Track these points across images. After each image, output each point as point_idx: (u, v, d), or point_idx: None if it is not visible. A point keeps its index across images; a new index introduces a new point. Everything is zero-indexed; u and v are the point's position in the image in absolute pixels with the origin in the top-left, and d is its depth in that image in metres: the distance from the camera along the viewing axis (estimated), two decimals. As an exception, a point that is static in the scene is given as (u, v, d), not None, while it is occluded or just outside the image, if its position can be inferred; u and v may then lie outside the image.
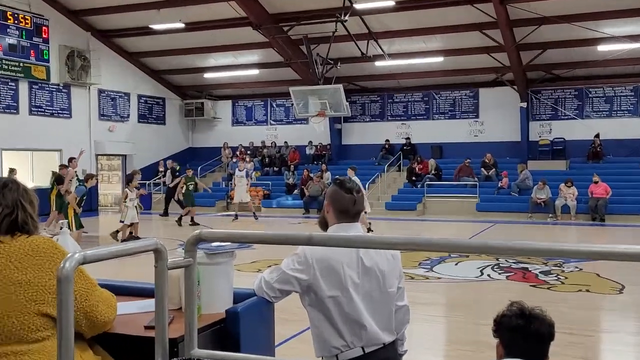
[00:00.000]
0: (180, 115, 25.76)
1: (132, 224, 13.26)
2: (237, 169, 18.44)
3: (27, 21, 18.97)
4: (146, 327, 2.16)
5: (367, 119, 23.80)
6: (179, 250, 2.39)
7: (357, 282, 2.51)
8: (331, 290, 2.49)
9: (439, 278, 9.06)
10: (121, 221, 13.25)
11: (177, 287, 2.38)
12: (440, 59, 20.01)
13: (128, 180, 13.68)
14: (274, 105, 25.24)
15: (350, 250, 2.52)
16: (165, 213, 19.07)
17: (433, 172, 20.60)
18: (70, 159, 15.92)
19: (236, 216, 17.80)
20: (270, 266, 2.69)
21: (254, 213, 18.02)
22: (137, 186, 13.70)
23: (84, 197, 12.42)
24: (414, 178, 20.74)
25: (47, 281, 1.87)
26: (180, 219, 16.47)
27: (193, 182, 17.30)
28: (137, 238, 12.47)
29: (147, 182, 21.76)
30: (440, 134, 22.33)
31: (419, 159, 21.13)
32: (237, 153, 24.31)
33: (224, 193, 21.89)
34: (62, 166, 15.70)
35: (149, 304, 2.42)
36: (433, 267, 9.77)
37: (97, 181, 14.42)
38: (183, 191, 16.98)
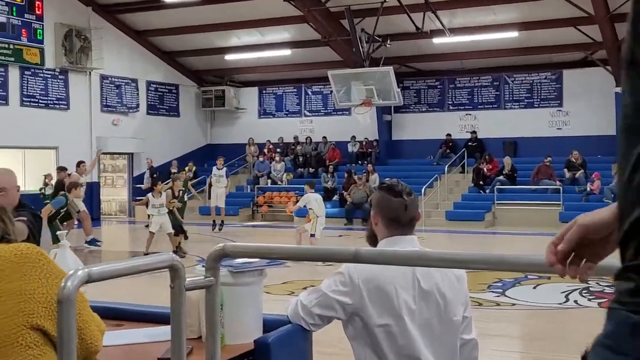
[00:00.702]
0: (197, 105, 26.07)
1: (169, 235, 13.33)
2: (215, 167, 18.56)
3: (17, -5, 19.49)
4: (160, 360, 2.21)
5: (423, 109, 23.67)
6: (199, 268, 2.44)
7: (412, 308, 2.51)
8: (381, 318, 2.49)
9: (513, 304, 8.96)
10: (150, 231, 13.34)
11: (196, 311, 2.42)
12: (514, 33, 19.78)
13: (152, 185, 13.89)
14: (309, 93, 25.32)
15: (405, 269, 2.52)
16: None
17: (505, 173, 20.38)
18: (79, 163, 16.31)
19: (218, 224, 17.95)
20: (306, 288, 2.71)
21: (221, 222, 18.06)
22: (162, 190, 13.75)
23: (62, 210, 12.68)
24: (481, 182, 20.56)
25: (35, 289, 1.96)
26: (178, 247, 13.49)
27: (184, 189, 15.04)
28: (177, 251, 12.62)
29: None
30: (513, 127, 22.08)
31: (487, 157, 20.93)
32: (265, 151, 24.47)
33: (249, 199, 22.07)
34: (60, 169, 16.06)
35: (163, 331, 2.46)
36: (506, 291, 9.67)
37: (83, 191, 14.56)
38: (177, 203, 13.99)
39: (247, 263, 2.44)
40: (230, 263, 2.41)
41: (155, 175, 19.67)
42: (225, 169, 18.86)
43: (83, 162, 16.67)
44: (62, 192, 13.49)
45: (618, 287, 1.14)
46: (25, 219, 3.51)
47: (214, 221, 18.08)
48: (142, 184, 20.57)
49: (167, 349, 2.20)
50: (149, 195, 13.61)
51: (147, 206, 13.61)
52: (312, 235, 12.44)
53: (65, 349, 1.49)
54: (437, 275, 2.57)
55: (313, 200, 12.71)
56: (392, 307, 2.49)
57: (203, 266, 2.06)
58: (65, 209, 12.76)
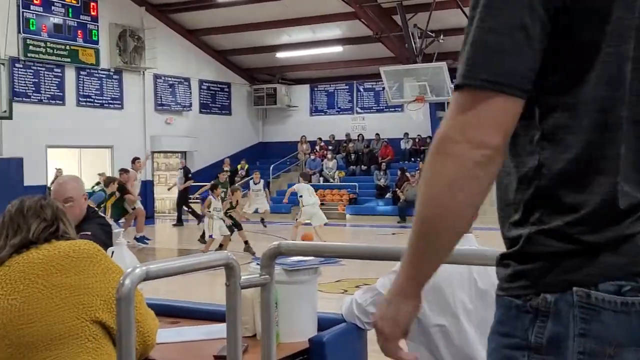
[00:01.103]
0: (249, 103, 26.27)
1: (224, 237, 13.35)
2: (252, 182, 18.27)
3: (73, -4, 19.93)
4: (216, 357, 2.22)
5: (478, 105, 23.40)
6: (253, 266, 2.45)
7: (469, 307, 2.48)
8: (437, 318, 2.47)
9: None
10: (210, 236, 13.21)
11: (251, 309, 2.43)
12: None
13: (213, 187, 13.93)
14: (361, 90, 25.27)
15: (461, 268, 2.49)
16: (180, 222, 19.75)
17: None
18: (135, 159, 16.65)
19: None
20: (358, 286, 2.71)
21: (262, 219, 17.89)
22: (221, 195, 13.79)
23: (102, 205, 12.86)
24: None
25: (94, 284, 2.02)
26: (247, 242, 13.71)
27: (225, 190, 15.10)
28: (248, 247, 12.87)
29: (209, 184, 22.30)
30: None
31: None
32: (317, 148, 24.52)
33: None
34: (122, 171, 16.34)
35: (217, 329, 2.48)
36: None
37: (138, 188, 14.82)
38: (240, 212, 14.57)
39: (302, 261, 2.44)
40: (285, 261, 2.42)
41: (190, 175, 19.93)
42: (262, 182, 18.88)
43: (138, 158, 16.99)
44: (111, 190, 13.71)
45: (499, 274, 1.27)
46: (89, 233, 3.22)
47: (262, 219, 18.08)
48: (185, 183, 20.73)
49: (222, 346, 2.22)
50: (211, 197, 13.60)
51: (208, 207, 13.60)
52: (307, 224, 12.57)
53: (125, 344, 1.52)
54: (494, 274, 2.53)
55: (305, 189, 12.84)
56: (448, 307, 2.47)
57: (257, 264, 2.07)
58: (103, 204, 12.94)
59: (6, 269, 2.01)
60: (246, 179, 20.82)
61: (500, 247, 1.39)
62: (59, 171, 17.72)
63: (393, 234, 17.33)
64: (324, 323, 2.50)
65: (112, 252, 2.73)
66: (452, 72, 20.87)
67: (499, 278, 1.28)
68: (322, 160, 23.69)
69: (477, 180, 1.19)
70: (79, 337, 1.95)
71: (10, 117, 16.57)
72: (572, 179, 1.19)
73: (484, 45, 1.17)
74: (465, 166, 1.17)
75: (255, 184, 18.45)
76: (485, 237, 2.74)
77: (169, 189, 21.56)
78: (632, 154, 1.20)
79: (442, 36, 19.98)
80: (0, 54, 17.62)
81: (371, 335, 2.59)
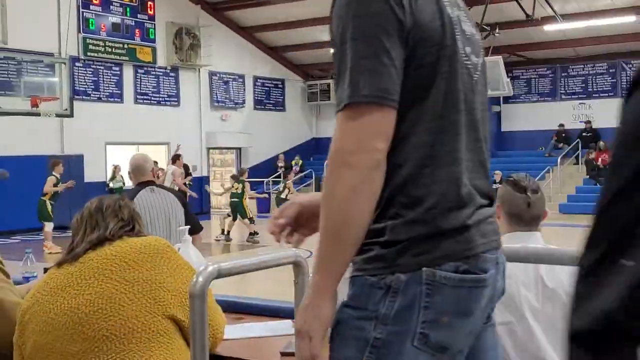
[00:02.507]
0: (303, 99, 26.36)
1: None
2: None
3: (131, -4, 20.29)
4: (283, 354, 2.24)
5: (534, 99, 23.09)
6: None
7: (536, 306, 2.46)
8: (503, 315, 2.45)
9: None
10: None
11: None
12: (631, 18, 18.95)
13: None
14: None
15: (527, 267, 2.47)
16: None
17: (622, 164, 19.60)
18: (177, 156, 16.85)
19: None
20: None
21: None
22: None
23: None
24: (594, 172, 19.83)
25: (165, 279, 2.06)
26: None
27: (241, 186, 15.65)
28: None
29: (265, 179, 22.50)
30: (632, 116, 21.18)
31: (600, 146, 20.18)
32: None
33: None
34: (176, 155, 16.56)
35: (283, 325, 2.51)
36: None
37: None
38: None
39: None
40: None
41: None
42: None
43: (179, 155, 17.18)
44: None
45: (355, 260, 1.45)
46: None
47: None
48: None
49: (288, 343, 2.23)
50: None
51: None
52: None
53: (198, 340, 1.55)
54: (562, 273, 2.50)
55: None
56: (514, 306, 2.44)
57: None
58: None
59: (81, 265, 2.06)
60: (300, 174, 20.90)
61: (566, 245, 1.42)
62: (117, 168, 18.12)
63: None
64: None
65: (179, 249, 2.77)
66: (508, 65, 20.64)
67: (357, 261, 1.46)
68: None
69: (373, 182, 1.41)
70: (152, 331, 1.99)
71: (71, 115, 16.96)
72: (418, 176, 1.44)
73: (361, 69, 1.41)
74: (364, 172, 1.40)
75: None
76: (543, 234, 2.71)
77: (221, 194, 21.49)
78: (471, 153, 1.51)
79: (497, 29, 19.74)
80: (61, 53, 18.07)
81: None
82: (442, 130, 1.47)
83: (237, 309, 2.81)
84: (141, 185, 4.99)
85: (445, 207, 1.45)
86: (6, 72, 16.55)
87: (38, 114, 16.00)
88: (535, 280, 2.48)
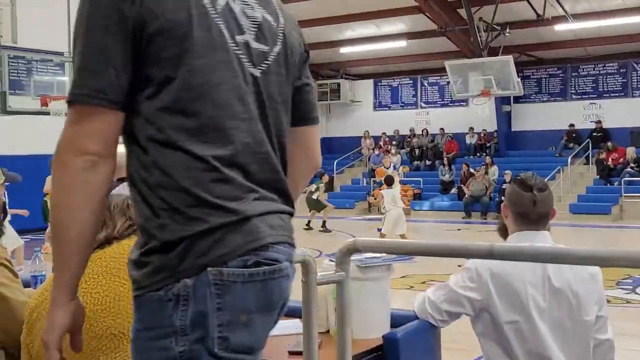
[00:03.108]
0: (313, 99, 26.36)
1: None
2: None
3: None
4: (290, 353, 2.25)
5: (545, 99, 22.99)
6: (327, 263, 2.47)
7: (542, 306, 2.47)
8: (509, 314, 2.46)
9: (645, 303, 8.61)
10: (378, 229, 12.68)
11: (324, 305, 2.46)
12: (643, 17, 18.89)
13: (388, 181, 13.04)
14: (426, 84, 25.08)
15: (534, 266, 2.48)
16: None
17: (632, 165, 19.49)
18: None
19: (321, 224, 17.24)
20: (424, 282, 2.72)
21: (323, 222, 17.13)
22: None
23: None
24: (605, 172, 19.74)
25: None
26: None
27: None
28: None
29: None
30: (642, 116, 21.11)
31: (610, 145, 20.10)
32: (381, 144, 24.46)
33: (364, 192, 22.13)
34: None
35: (291, 324, 2.52)
36: (636, 288, 9.28)
37: None
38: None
39: (375, 257, 2.45)
40: (358, 258, 2.43)
41: None
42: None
43: None
44: None
45: (134, 277, 1.41)
46: None
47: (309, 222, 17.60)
48: None
49: (296, 342, 2.25)
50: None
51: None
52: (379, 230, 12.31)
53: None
54: (569, 273, 2.51)
55: (387, 195, 12.51)
56: (520, 304, 2.45)
57: (331, 260, 2.09)
58: None
59: (90, 263, 2.07)
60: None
61: (575, 245, 1.38)
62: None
63: (458, 229, 17.18)
64: (396, 320, 2.51)
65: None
66: (518, 65, 20.60)
67: (134, 279, 1.41)
68: (386, 155, 23.62)
69: (87, 184, 1.36)
70: None
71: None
72: (179, 173, 1.37)
73: (80, 67, 1.41)
74: (74, 172, 1.36)
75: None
76: (553, 234, 2.71)
77: None
78: (249, 147, 1.43)
79: (508, 29, 19.70)
80: (71, 52, 18.12)
81: (444, 332, 2.59)
82: (195, 126, 1.39)
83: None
84: (119, 180, 5.24)
85: (215, 203, 1.37)
86: (16, 71, 16.59)
87: (48, 113, 16.05)
88: (543, 280, 2.48)
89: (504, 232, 2.65)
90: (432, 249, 1.81)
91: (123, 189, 2.70)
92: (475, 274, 2.48)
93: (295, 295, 2.10)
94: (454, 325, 2.62)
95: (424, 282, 9.14)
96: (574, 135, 21.95)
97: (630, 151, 19.77)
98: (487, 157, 21.23)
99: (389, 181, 12.86)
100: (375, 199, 17.76)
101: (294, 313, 2.61)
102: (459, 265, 2.56)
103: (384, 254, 2.47)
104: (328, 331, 2.54)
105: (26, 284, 2.98)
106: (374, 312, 2.44)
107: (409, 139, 24.37)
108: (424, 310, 2.54)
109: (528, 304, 2.45)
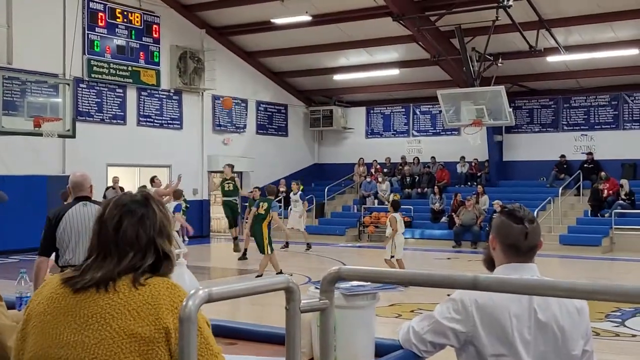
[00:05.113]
0: (305, 125, 26.45)
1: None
2: (291, 193, 19.66)
3: (136, 19, 20.41)
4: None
5: (536, 129, 23.12)
6: (311, 290, 2.46)
7: (528, 339, 2.45)
8: (495, 347, 2.44)
9: (634, 335, 8.58)
10: (392, 256, 12.22)
11: (308, 333, 2.44)
12: (634, 51, 19.06)
13: (395, 206, 12.83)
14: (418, 113, 25.20)
15: (521, 298, 2.47)
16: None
17: (622, 197, 19.55)
18: (153, 178, 17.43)
19: (286, 244, 18.13)
20: (413, 311, 2.70)
21: (307, 244, 18.42)
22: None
23: None
24: (597, 203, 19.78)
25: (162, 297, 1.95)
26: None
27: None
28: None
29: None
30: (633, 148, 21.19)
31: (603, 175, 20.18)
32: (372, 171, 24.50)
33: (355, 219, 22.11)
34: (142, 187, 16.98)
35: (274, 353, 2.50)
36: (625, 321, 9.27)
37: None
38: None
39: (360, 286, 2.44)
40: (343, 285, 2.42)
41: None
42: (300, 193, 19.44)
43: (155, 176, 17.96)
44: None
45: None
46: None
47: (286, 242, 18.16)
48: None
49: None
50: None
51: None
52: (392, 257, 12.11)
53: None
54: (555, 306, 2.49)
55: (393, 220, 12.33)
56: (506, 337, 2.44)
57: (316, 287, 2.07)
58: None
59: (85, 297, 2.01)
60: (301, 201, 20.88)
61: (563, 276, 1.36)
62: (115, 178, 18.35)
63: (448, 258, 17.15)
64: (381, 349, 2.49)
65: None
66: (510, 95, 20.74)
67: None
68: (375, 183, 23.66)
69: None
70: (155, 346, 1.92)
71: (73, 136, 17.02)
72: None
73: None
74: None
75: (294, 194, 19.01)
76: (542, 265, 2.69)
77: None
78: None
79: (500, 60, 19.86)
80: (65, 74, 18.15)
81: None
82: None
83: (229, 334, 2.80)
84: (77, 199, 5.54)
85: None
86: (10, 92, 16.61)
87: (40, 134, 16.05)
88: (529, 313, 2.47)
89: (490, 264, 2.64)
90: (415, 279, 1.80)
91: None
92: (460, 305, 2.46)
93: (280, 322, 2.09)
94: (439, 355, 2.61)
95: (412, 311, 9.08)
96: (565, 166, 22.04)
97: (625, 183, 19.82)
98: (479, 187, 21.24)
99: (396, 205, 12.86)
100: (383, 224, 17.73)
101: (278, 340, 2.60)
102: (448, 295, 2.55)
103: (369, 283, 2.46)
104: (312, 359, 2.52)
105: (10, 306, 2.95)
106: (359, 341, 2.42)
107: (400, 167, 24.42)
108: (408, 340, 2.51)
109: (514, 337, 2.43)
